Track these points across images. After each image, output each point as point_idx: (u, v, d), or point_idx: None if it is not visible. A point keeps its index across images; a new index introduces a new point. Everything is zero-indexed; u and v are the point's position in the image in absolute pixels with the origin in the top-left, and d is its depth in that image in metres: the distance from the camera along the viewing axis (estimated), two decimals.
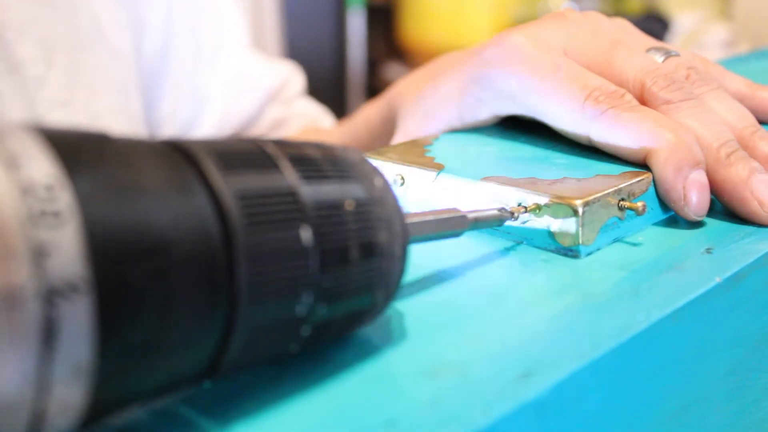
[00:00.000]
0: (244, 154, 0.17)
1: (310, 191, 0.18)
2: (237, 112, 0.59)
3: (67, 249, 0.13)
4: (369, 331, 0.21)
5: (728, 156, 0.29)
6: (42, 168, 0.14)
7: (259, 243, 0.16)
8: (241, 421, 0.17)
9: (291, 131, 0.62)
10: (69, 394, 0.14)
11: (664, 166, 0.28)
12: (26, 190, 0.13)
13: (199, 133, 0.58)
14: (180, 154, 0.16)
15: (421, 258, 0.26)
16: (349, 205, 0.18)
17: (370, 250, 0.19)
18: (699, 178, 0.28)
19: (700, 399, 0.25)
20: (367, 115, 0.49)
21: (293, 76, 0.63)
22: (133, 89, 0.51)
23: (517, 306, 0.23)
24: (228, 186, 0.16)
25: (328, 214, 0.18)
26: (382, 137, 0.45)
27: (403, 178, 0.30)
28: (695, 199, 0.28)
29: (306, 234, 0.17)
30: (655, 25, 2.00)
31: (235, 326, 0.16)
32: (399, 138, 0.38)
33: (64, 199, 0.13)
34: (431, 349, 0.20)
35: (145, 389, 0.16)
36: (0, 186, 0.13)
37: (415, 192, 0.30)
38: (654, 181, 0.29)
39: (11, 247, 0.13)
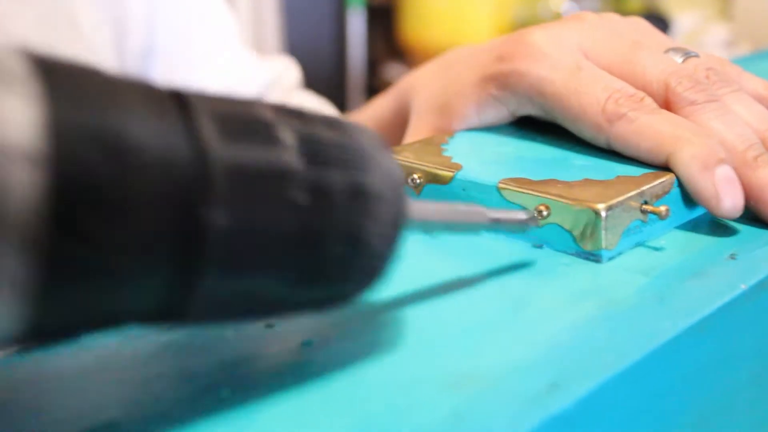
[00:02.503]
0: (225, 99, 0.17)
1: (288, 126, 0.17)
2: None
3: (25, 118, 0.13)
4: (390, 341, 0.21)
5: (755, 159, 0.28)
6: (13, 58, 0.14)
7: (234, 162, 0.16)
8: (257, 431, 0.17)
9: None
10: (14, 266, 0.13)
11: (688, 167, 0.27)
12: None
13: None
14: (160, 88, 0.16)
15: (441, 263, 0.25)
16: (332, 142, 0.18)
17: (356, 191, 0.18)
18: (727, 173, 0.27)
19: (723, 408, 0.25)
20: (377, 108, 0.48)
21: (288, 69, 0.63)
22: None
23: (539, 313, 0.22)
24: (205, 110, 0.16)
25: (309, 145, 0.17)
26: (393, 130, 0.44)
27: (419, 178, 0.29)
28: (729, 194, 0.27)
29: (283, 155, 0.17)
30: (655, 25, 1.99)
31: (205, 253, 0.15)
32: (412, 131, 0.37)
33: (33, 77, 0.14)
34: (453, 359, 0.20)
35: (100, 299, 0.15)
36: None
37: (432, 192, 0.29)
38: (679, 183, 0.28)
39: None
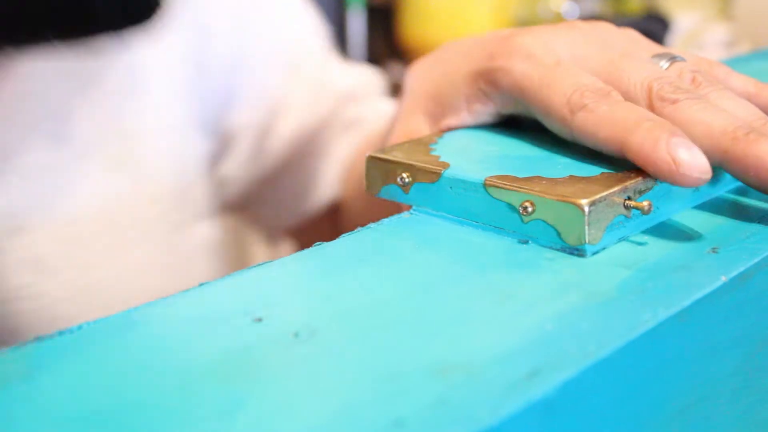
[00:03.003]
0: None
1: None
2: (313, 118, 0.59)
3: None
4: (376, 331, 0.21)
5: (747, 135, 0.28)
6: None
7: None
8: (246, 421, 0.17)
9: (366, 132, 0.61)
10: None
11: (641, 148, 0.27)
12: None
13: (275, 141, 0.58)
14: None
15: (427, 256, 0.26)
16: None
17: None
18: (682, 140, 0.27)
19: (705, 398, 0.25)
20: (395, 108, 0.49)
21: (371, 79, 0.63)
22: (195, 100, 0.51)
23: (523, 305, 0.23)
24: None
25: None
26: None
27: (408, 177, 0.30)
28: (686, 154, 0.26)
29: None
30: (655, 25, 2.00)
31: None
32: (404, 111, 0.38)
33: None
34: (438, 349, 0.20)
35: None
36: None
37: (420, 190, 0.30)
38: (644, 168, 0.28)
39: None
